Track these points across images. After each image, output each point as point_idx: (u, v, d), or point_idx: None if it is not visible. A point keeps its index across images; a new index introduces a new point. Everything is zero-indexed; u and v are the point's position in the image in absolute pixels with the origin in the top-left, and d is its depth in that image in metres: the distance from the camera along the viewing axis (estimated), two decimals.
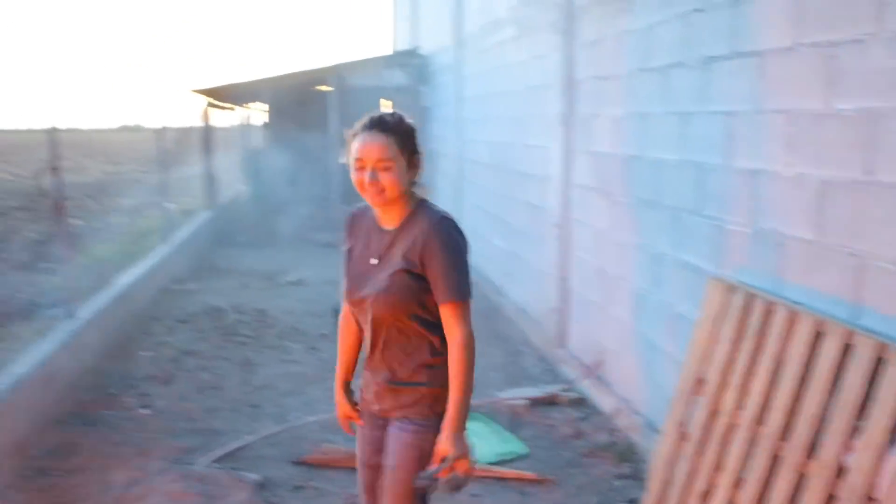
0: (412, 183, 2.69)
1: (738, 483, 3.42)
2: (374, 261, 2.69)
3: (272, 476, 4.71)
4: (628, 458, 4.87)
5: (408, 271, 2.60)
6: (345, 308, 2.91)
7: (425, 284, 2.61)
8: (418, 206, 2.69)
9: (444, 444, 2.62)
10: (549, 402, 5.85)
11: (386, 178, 2.57)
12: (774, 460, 3.21)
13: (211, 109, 15.11)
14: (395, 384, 2.72)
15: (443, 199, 12.55)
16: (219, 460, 4.91)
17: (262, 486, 4.56)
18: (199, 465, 4.80)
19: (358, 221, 2.82)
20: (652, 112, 4.81)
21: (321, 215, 14.77)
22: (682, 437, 3.91)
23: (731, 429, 3.54)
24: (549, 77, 6.76)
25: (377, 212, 2.71)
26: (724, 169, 3.97)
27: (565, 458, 4.99)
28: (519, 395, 5.94)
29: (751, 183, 3.72)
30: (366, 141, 2.58)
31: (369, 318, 2.69)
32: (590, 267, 5.97)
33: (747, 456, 3.39)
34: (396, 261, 2.62)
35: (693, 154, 4.29)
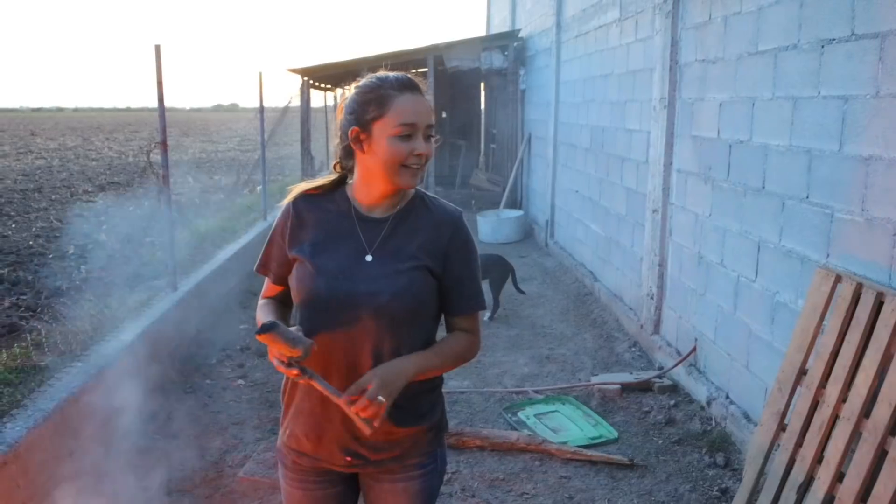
0: None
1: (838, 476, 3.35)
2: (368, 257, 2.09)
3: None
4: (721, 448, 4.80)
5: (430, 270, 2.10)
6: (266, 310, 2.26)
7: (436, 287, 2.14)
8: (416, 193, 2.19)
9: (373, 377, 1.97)
10: (642, 388, 5.81)
11: (429, 150, 2.08)
12: (880, 455, 3.13)
13: (307, 89, 15.34)
14: (391, 419, 2.04)
15: (537, 181, 12.51)
16: None
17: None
18: None
19: (312, 206, 2.18)
20: (760, 97, 4.69)
21: None
22: (781, 427, 3.83)
23: (833, 421, 3.46)
24: (652, 60, 6.66)
25: (360, 194, 2.15)
26: (835, 155, 3.85)
27: (657, 445, 4.96)
28: (611, 380, 5.91)
29: (864, 170, 3.61)
30: (416, 101, 2.05)
31: (357, 328, 2.04)
32: (688, 253, 5.88)
33: (850, 449, 3.31)
34: (411, 255, 2.09)
35: (802, 140, 4.17)
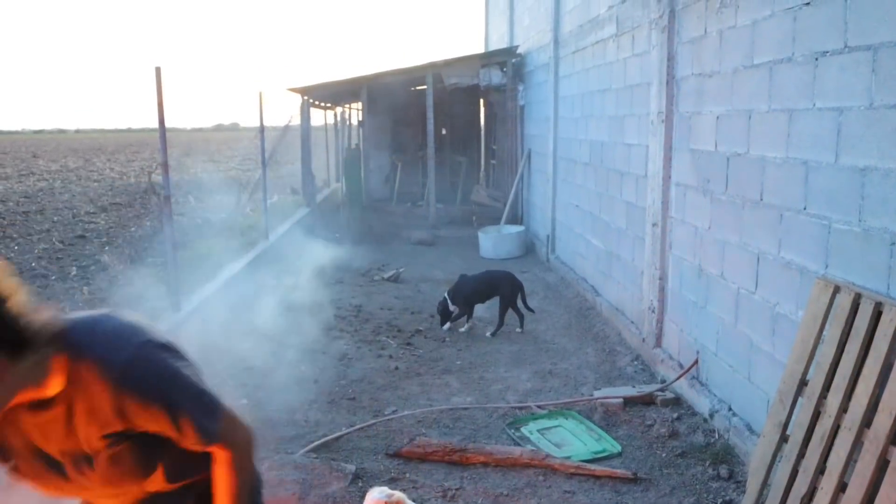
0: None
1: (841, 487, 3.35)
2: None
3: (368, 467, 4.82)
4: (725, 460, 4.80)
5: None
6: None
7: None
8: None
9: None
10: (645, 401, 5.81)
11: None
12: (881, 464, 3.13)
13: (307, 108, 15.42)
14: None
15: (538, 196, 12.54)
16: (316, 450, 5.03)
17: (357, 477, 4.66)
18: (297, 454, 4.93)
19: None
20: (756, 109, 4.72)
21: (416, 213, 14.93)
22: (783, 438, 3.84)
23: (834, 431, 3.47)
24: (649, 74, 6.70)
25: None
26: (831, 167, 3.87)
27: (660, 458, 4.96)
28: (613, 394, 5.91)
29: (860, 181, 3.63)
30: None
31: None
32: (688, 266, 5.89)
33: (852, 459, 3.32)
34: None
35: (799, 152, 4.20)
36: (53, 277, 9.33)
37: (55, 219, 15.83)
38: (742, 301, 4.94)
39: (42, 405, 1.69)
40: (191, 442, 1.81)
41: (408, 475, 4.74)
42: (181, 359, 1.82)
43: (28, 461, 1.80)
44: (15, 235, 13.38)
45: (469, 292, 8.05)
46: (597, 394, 5.98)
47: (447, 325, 8.02)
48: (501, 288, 7.97)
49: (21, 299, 1.55)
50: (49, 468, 1.80)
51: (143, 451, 1.80)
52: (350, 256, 12.11)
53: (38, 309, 1.60)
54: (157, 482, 1.87)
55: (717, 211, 5.31)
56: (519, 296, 8.05)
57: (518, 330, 7.91)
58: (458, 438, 5.20)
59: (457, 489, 4.58)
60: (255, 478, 2.04)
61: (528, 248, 12.76)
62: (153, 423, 1.74)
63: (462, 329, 8.05)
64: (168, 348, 1.81)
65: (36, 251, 11.71)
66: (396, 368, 6.76)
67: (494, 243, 12.40)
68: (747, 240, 4.85)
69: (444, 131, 18.58)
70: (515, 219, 13.80)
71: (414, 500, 4.37)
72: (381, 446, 5.14)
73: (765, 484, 3.91)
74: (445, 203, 15.47)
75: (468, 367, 6.84)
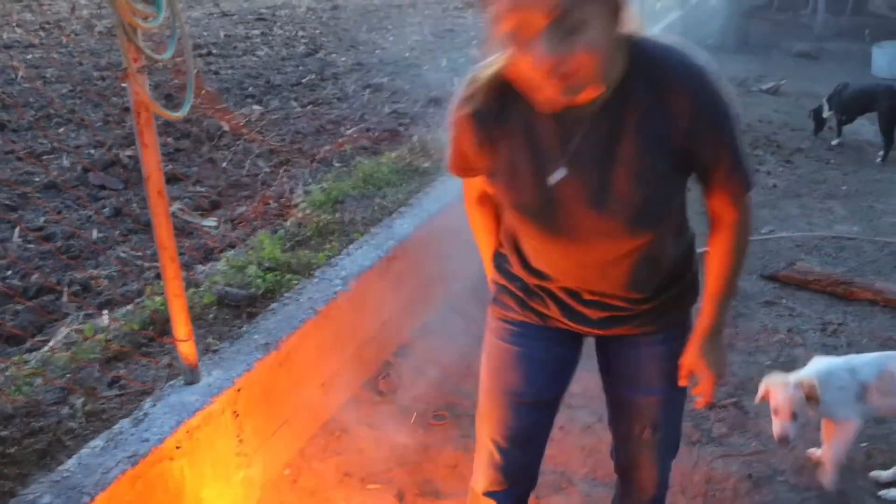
0: None
1: None
2: (560, 174, 1.63)
3: (742, 287, 4.48)
4: None
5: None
6: (476, 206, 1.96)
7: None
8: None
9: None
10: None
11: (564, 57, 1.36)
12: None
13: None
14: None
15: None
16: None
17: None
18: None
19: (489, 109, 1.62)
20: None
21: (798, 22, 13.54)
22: None
23: None
24: None
25: None
26: None
27: None
28: None
29: None
30: None
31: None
32: None
33: None
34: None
35: None
36: (426, 68, 9.60)
37: (426, 12, 16.33)
38: None
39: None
40: (729, 186, 1.62)
41: (784, 301, 4.39)
42: None
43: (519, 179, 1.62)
44: (390, 27, 13.98)
45: (847, 98, 7.22)
46: None
47: (822, 132, 7.50)
48: (880, 102, 6.97)
49: None
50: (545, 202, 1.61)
51: (676, 182, 1.62)
52: (725, 64, 11.23)
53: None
54: (664, 227, 1.69)
55: None
56: None
57: (878, 160, 6.97)
58: (841, 270, 4.69)
59: (839, 324, 4.15)
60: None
61: None
62: (713, 151, 1.56)
63: (834, 142, 7.38)
64: None
65: (409, 42, 12.15)
66: (774, 186, 6.24)
67: (891, 60, 10.91)
68: None
69: None
70: None
71: (790, 330, 4.04)
72: (758, 266, 4.77)
73: None
74: (834, 13, 13.80)
75: (854, 194, 6.15)
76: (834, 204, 5.90)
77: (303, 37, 12.34)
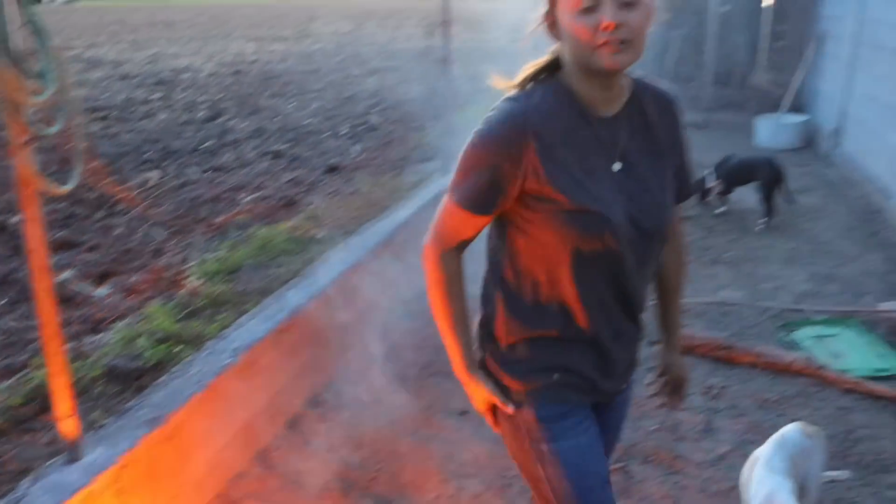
0: None
1: None
2: (616, 166, 1.78)
3: None
4: None
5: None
6: (454, 255, 1.88)
7: None
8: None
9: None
10: None
11: (626, 18, 1.63)
12: None
13: None
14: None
15: (826, 85, 11.48)
16: None
17: None
18: None
19: (547, 125, 1.72)
20: None
21: (685, 93, 14.15)
22: None
23: None
24: None
25: (588, 91, 1.75)
26: None
27: None
28: None
29: None
30: None
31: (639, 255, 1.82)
32: None
33: None
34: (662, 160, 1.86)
35: None
36: (326, 135, 9.72)
37: (329, 79, 16.51)
38: None
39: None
40: (680, 199, 1.95)
41: None
42: None
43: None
44: (294, 93, 14.09)
45: (733, 168, 7.58)
46: (882, 305, 5.42)
47: (706, 200, 7.77)
48: (760, 171, 7.36)
49: None
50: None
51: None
52: None
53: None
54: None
55: None
56: (780, 186, 7.36)
57: (758, 227, 7.32)
58: (724, 334, 4.91)
59: (721, 387, 4.34)
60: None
61: (809, 140, 11.72)
62: (682, 165, 1.93)
63: (717, 211, 7.73)
64: None
65: (310, 108, 12.27)
66: None
67: (773, 132, 11.52)
68: None
69: (726, 7, 17.30)
70: (796, 108, 12.72)
71: None
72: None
73: None
74: (721, 85, 14.52)
75: (738, 260, 6.44)
76: (719, 270, 6.18)
77: (204, 101, 12.32)
